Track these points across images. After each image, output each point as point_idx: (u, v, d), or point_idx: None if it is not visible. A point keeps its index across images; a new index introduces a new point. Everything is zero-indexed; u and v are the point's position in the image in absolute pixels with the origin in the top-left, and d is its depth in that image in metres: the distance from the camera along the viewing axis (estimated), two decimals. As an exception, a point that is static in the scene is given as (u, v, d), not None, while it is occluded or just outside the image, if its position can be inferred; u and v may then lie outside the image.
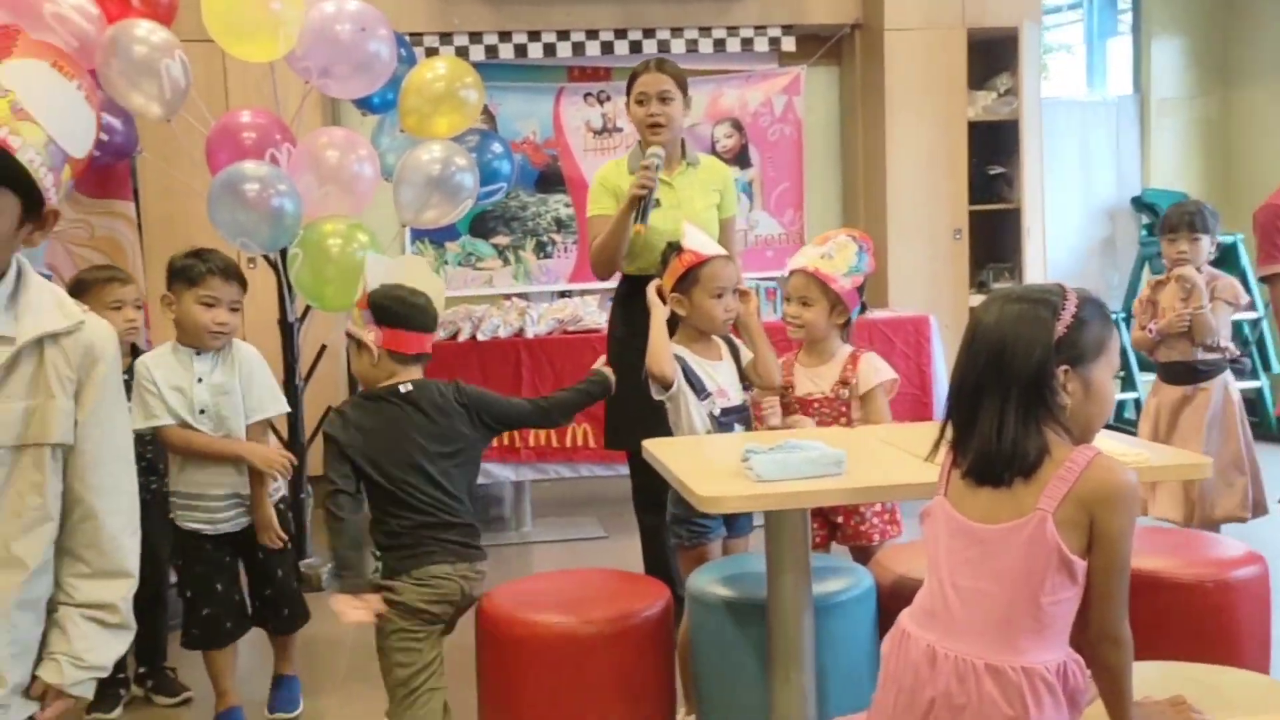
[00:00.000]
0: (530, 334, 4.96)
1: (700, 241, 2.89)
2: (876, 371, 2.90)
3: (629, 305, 3.39)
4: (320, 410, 4.64)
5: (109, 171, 4.23)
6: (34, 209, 1.63)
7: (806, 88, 6.20)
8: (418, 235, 5.93)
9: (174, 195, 4.92)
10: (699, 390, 2.80)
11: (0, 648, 1.63)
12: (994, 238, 6.06)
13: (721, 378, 2.87)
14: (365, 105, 4.57)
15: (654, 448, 2.50)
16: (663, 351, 2.78)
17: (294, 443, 4.45)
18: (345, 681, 3.46)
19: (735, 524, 2.90)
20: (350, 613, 2.53)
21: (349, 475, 2.60)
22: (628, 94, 3.53)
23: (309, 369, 4.57)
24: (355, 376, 2.86)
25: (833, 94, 6.30)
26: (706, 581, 2.57)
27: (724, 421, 2.82)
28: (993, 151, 6.03)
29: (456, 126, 4.35)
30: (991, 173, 6.08)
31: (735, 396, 2.87)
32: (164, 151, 4.53)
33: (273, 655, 3.31)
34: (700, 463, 2.34)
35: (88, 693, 1.74)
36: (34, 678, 1.68)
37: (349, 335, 2.78)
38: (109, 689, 3.22)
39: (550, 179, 6.11)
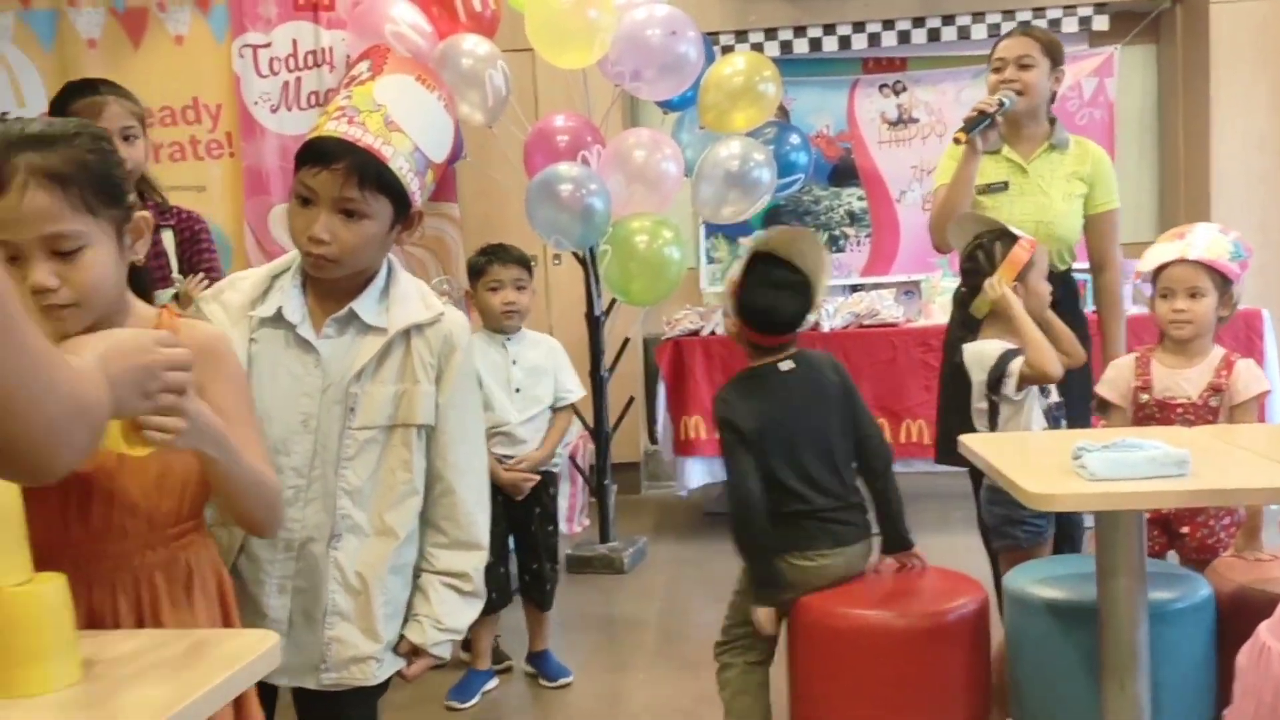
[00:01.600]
0: (826, 328, 4.95)
1: (1015, 228, 2.81)
2: (1256, 380, 2.63)
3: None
4: (623, 401, 4.82)
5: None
6: (403, 212, 1.78)
7: (1120, 69, 5.87)
8: (711, 231, 6.02)
9: (490, 196, 5.22)
10: (1044, 389, 2.72)
11: (376, 608, 1.79)
12: (1336, 223, 5.53)
13: None
14: (665, 103, 4.70)
15: (973, 443, 2.44)
16: (1046, 346, 2.66)
17: (599, 432, 4.64)
18: (653, 661, 3.57)
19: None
20: (768, 626, 2.54)
21: (752, 466, 2.52)
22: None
23: (613, 361, 4.74)
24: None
25: (1149, 74, 5.93)
26: (1027, 581, 2.49)
27: (1055, 416, 2.73)
28: (1335, 130, 5.51)
29: (754, 121, 4.40)
30: (1333, 153, 5.55)
31: (1056, 389, 2.76)
32: (482, 156, 4.82)
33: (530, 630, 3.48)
34: (1026, 459, 2.27)
35: (445, 653, 1.89)
36: (401, 637, 1.84)
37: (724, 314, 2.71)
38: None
39: (844, 172, 6.06)
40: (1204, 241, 2.67)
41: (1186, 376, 2.67)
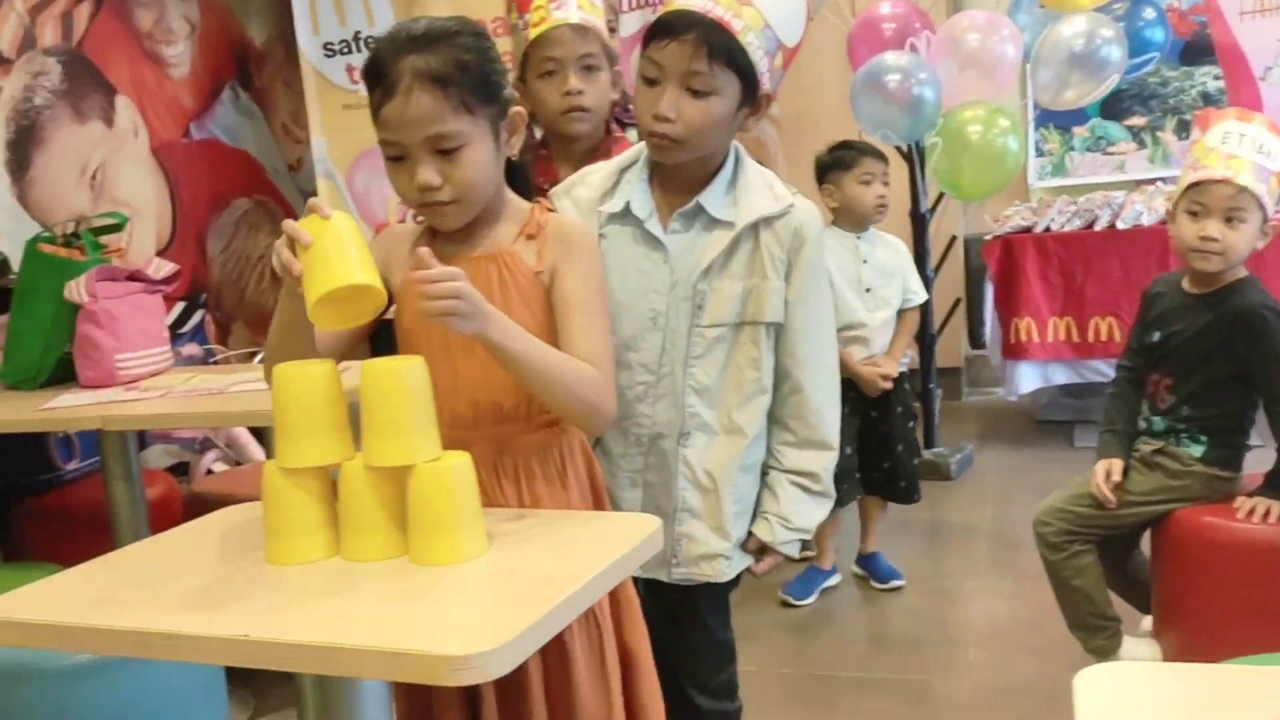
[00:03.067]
0: (1177, 221, 4.53)
1: None
2: None
3: None
4: (949, 302, 4.63)
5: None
6: (751, 93, 1.71)
7: None
8: (1043, 120, 5.63)
9: (805, 92, 5.09)
10: None
11: (726, 506, 1.78)
12: None
13: None
14: (999, -16, 4.40)
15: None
16: None
17: (924, 334, 4.48)
18: (986, 568, 3.45)
19: None
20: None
21: None
22: None
23: (939, 261, 4.55)
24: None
25: None
26: None
27: None
28: None
29: (1101, -3, 4.04)
30: None
31: None
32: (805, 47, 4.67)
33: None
34: None
35: (793, 551, 1.86)
36: (749, 534, 1.83)
37: None
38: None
39: (1197, 49, 5.48)
40: None
41: None
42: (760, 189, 1.78)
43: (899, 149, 4.39)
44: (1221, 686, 0.88)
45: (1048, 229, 4.66)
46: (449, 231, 1.53)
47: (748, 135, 4.94)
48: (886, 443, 3.29)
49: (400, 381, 1.26)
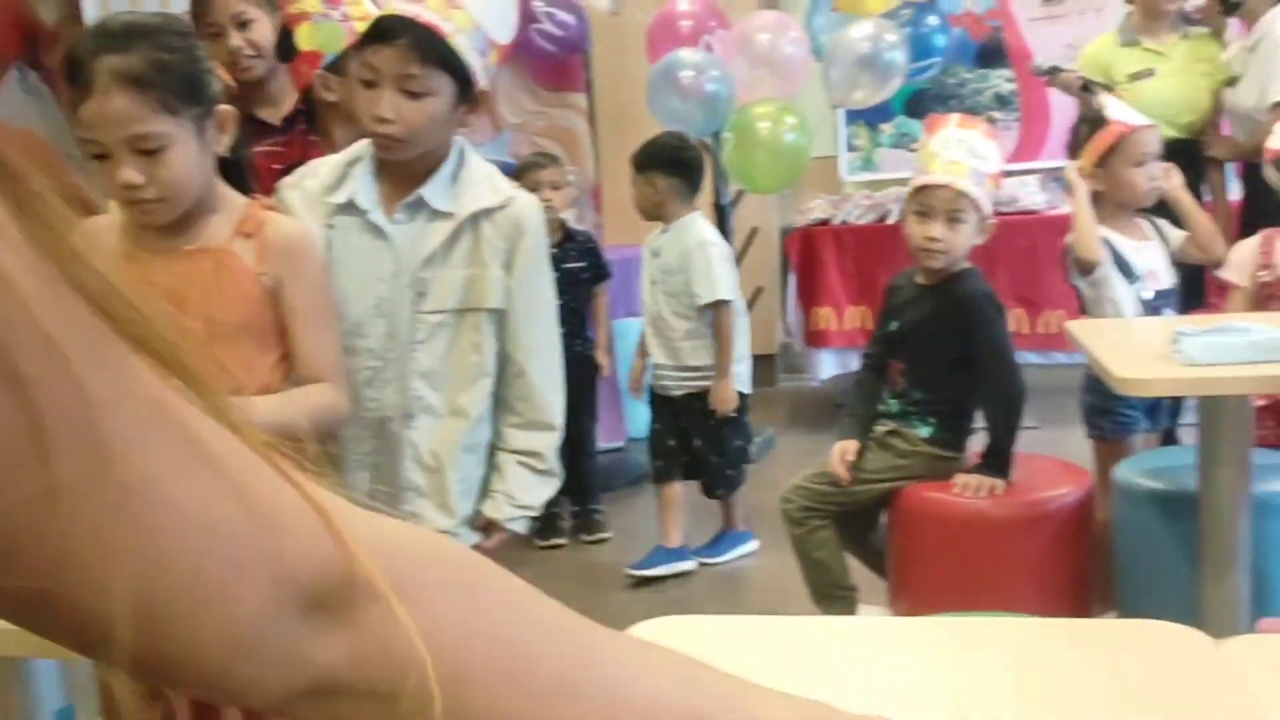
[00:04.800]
0: (963, 216, 4.79)
1: (1122, 111, 2.66)
2: None
3: None
4: (752, 292, 4.79)
5: (564, 66, 4.55)
6: (466, 91, 1.80)
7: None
8: (852, 117, 5.85)
9: (624, 87, 5.19)
10: (1129, 273, 2.61)
11: (451, 484, 1.86)
12: None
13: (1151, 259, 2.64)
14: (797, -15, 4.57)
15: (1076, 329, 2.36)
16: (1089, 231, 2.61)
17: (727, 322, 4.63)
18: (767, 548, 3.61)
19: (1158, 420, 2.72)
20: None
21: None
22: None
23: (741, 251, 4.71)
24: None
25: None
26: (1133, 472, 2.41)
27: (1155, 305, 2.61)
28: None
29: (890, 2, 4.24)
30: None
31: (1166, 279, 2.65)
32: (615, 45, 4.79)
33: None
34: (1125, 344, 2.18)
35: (521, 528, 1.95)
36: (477, 512, 1.92)
37: None
38: (550, 524, 3.67)
39: (991, 53, 5.79)
40: None
41: None
42: (482, 182, 1.87)
43: (701, 143, 4.54)
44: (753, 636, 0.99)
45: (845, 222, 4.88)
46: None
47: (558, 125, 4.99)
48: (686, 436, 3.48)
49: None
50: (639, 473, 4.11)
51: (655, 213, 3.49)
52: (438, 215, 1.83)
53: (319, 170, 1.90)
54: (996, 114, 5.80)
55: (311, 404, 1.57)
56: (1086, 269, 2.63)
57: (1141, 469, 2.42)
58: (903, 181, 5.51)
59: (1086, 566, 2.49)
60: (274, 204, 1.86)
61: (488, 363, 1.87)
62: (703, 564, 3.50)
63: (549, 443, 1.93)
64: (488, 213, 1.84)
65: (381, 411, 1.85)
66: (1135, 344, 2.21)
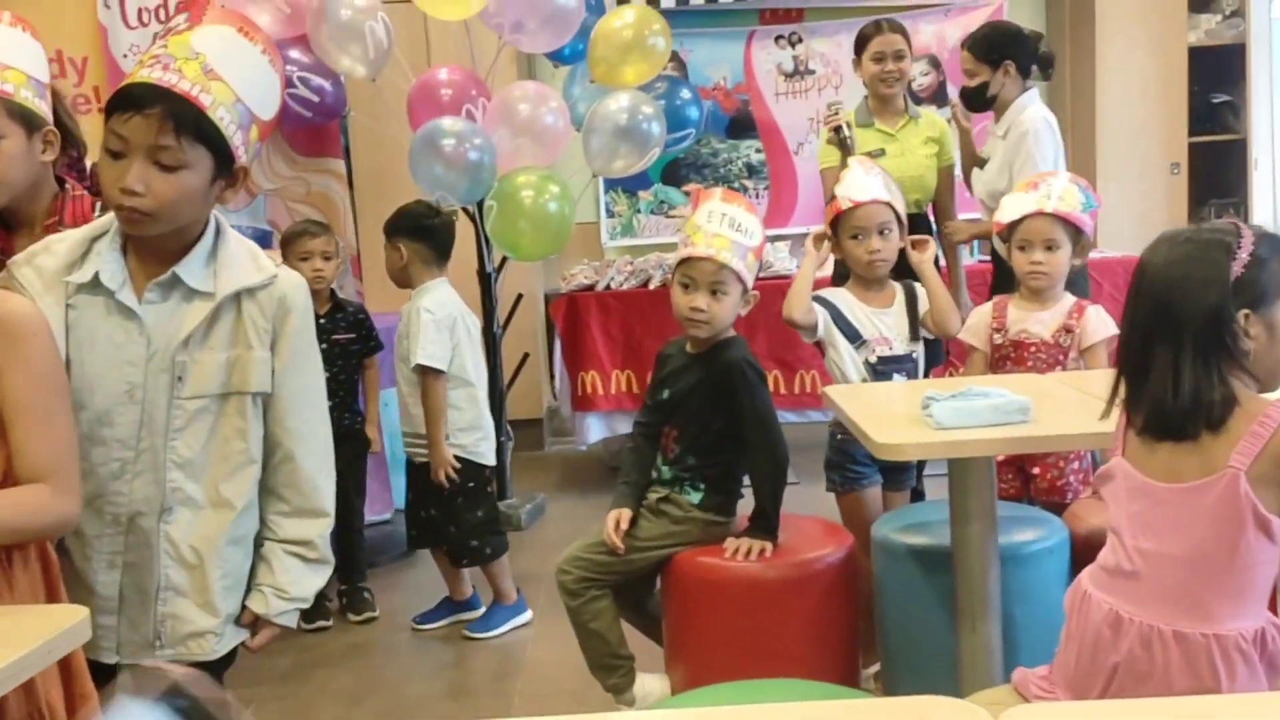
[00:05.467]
0: (721, 281, 4.95)
1: (853, 186, 2.84)
2: (1105, 325, 2.74)
3: None
4: (518, 357, 4.79)
5: (321, 131, 4.45)
6: (225, 166, 1.72)
7: (1009, 17, 5.91)
8: (611, 185, 5.98)
9: (382, 151, 5.11)
10: (851, 337, 2.78)
11: (213, 581, 1.76)
12: (1216, 172, 5.67)
13: (885, 325, 2.82)
14: (557, 56, 4.64)
15: (833, 393, 2.46)
16: (796, 292, 2.82)
17: (493, 389, 4.60)
18: (540, 617, 3.58)
19: (896, 477, 2.89)
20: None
21: None
22: (858, 54, 3.90)
23: (507, 317, 4.70)
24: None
25: (1038, 22, 5.99)
26: (892, 528, 2.53)
27: (882, 370, 2.79)
28: (1216, 79, 5.63)
29: (644, 75, 4.36)
30: (1215, 101, 5.67)
31: (900, 346, 2.83)
32: (372, 110, 4.72)
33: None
34: (879, 409, 2.30)
35: (290, 622, 1.86)
36: (243, 608, 1.81)
37: None
38: (317, 606, 3.52)
39: (741, 124, 6.05)
40: (1059, 192, 2.72)
41: (1039, 319, 2.80)
42: (244, 260, 1.79)
43: (465, 210, 4.53)
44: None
45: (608, 287, 4.95)
46: None
47: (315, 190, 4.88)
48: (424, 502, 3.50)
49: None
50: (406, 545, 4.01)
51: (403, 279, 3.50)
52: (195, 294, 1.74)
53: (55, 247, 1.76)
54: (747, 182, 6.05)
55: (15, 509, 1.47)
56: (803, 329, 2.81)
57: (899, 525, 2.54)
58: (663, 247, 5.69)
59: (855, 623, 2.59)
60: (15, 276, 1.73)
61: (253, 449, 1.78)
62: (471, 638, 3.44)
63: (320, 530, 1.85)
64: (250, 291, 1.76)
65: (133, 506, 1.73)
66: (889, 409, 2.32)
